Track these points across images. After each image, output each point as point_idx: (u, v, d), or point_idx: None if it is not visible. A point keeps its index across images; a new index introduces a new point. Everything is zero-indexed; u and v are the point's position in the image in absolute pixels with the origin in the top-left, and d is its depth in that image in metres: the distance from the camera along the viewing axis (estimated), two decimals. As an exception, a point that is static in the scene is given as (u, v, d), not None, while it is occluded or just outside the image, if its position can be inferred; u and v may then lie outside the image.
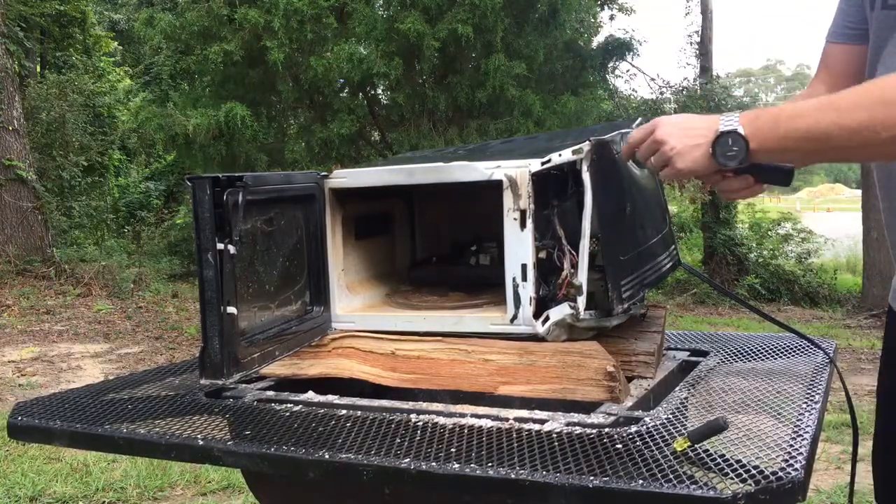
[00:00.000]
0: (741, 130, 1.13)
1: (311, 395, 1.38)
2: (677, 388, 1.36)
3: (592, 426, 1.14)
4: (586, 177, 1.37)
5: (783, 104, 1.15)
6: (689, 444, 1.01)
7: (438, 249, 1.86)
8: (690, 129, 1.19)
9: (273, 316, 1.43)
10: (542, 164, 1.35)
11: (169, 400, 1.38)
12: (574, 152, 1.36)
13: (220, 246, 1.28)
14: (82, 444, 1.30)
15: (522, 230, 1.35)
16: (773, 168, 1.21)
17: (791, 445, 1.02)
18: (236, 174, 1.31)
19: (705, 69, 11.55)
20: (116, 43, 17.45)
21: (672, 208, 11.88)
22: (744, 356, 1.63)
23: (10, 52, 10.14)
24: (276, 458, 1.11)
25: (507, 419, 1.18)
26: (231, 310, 1.29)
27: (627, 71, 12.38)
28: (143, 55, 14.97)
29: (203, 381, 1.31)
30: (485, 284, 1.59)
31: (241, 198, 1.29)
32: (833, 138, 1.07)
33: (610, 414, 1.22)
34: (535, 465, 1.00)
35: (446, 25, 7.49)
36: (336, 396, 1.37)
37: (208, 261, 1.28)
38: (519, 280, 1.36)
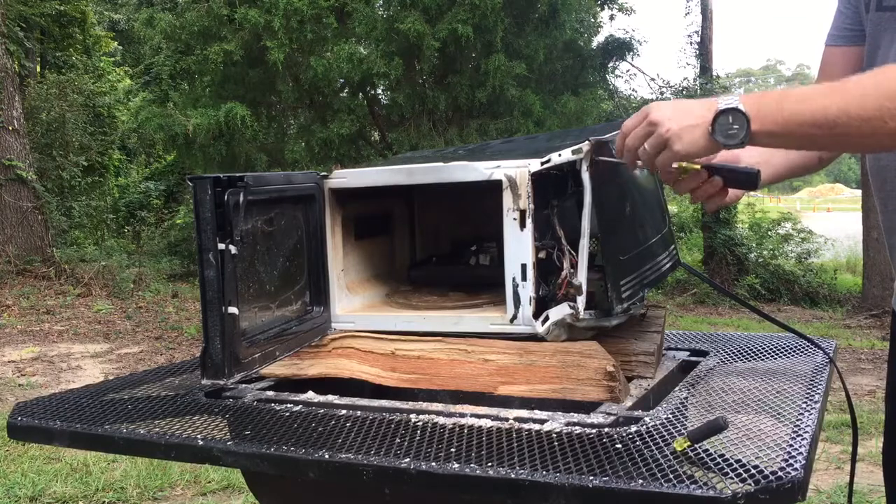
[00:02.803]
0: (742, 108, 1.08)
1: (311, 395, 1.38)
2: (677, 388, 1.36)
3: (592, 426, 1.14)
4: (586, 177, 1.37)
5: (784, 87, 1.13)
6: (689, 443, 1.01)
7: (438, 249, 1.86)
8: (687, 111, 1.13)
9: (273, 316, 1.43)
10: (542, 164, 1.35)
11: (169, 400, 1.38)
12: (574, 152, 1.36)
13: (222, 246, 1.28)
14: (82, 444, 1.30)
15: (522, 230, 1.35)
16: (741, 171, 1.20)
17: (791, 445, 1.02)
18: (237, 174, 1.31)
19: (705, 69, 11.57)
20: (116, 43, 17.47)
21: (672, 208, 11.88)
22: (744, 356, 1.63)
23: (10, 52, 10.15)
24: (276, 458, 1.11)
25: (506, 419, 1.18)
26: (232, 310, 1.30)
27: (627, 71, 12.44)
28: (143, 55, 14.97)
29: (204, 381, 1.31)
30: (485, 284, 1.58)
31: (241, 198, 1.30)
32: (839, 125, 1.04)
33: (610, 414, 1.22)
34: (535, 465, 1.00)
35: (446, 25, 7.50)
36: (336, 396, 1.37)
37: (209, 261, 1.28)
38: (519, 280, 1.36)
